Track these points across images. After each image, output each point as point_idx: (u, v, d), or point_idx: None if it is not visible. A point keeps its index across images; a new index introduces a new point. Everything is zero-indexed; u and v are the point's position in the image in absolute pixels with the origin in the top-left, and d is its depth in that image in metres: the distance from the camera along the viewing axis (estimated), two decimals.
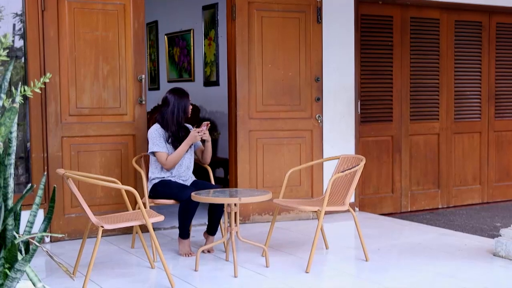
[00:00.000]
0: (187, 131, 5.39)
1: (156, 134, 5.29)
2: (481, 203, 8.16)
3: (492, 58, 8.16)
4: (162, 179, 5.32)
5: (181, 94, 5.39)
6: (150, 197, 5.33)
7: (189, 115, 5.45)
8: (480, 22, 8.08)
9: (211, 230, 5.37)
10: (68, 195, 5.74)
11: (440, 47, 7.78)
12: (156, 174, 5.35)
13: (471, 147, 8.08)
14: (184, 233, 5.22)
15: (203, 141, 5.43)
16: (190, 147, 5.37)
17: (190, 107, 5.41)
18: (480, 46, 8.08)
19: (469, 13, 7.99)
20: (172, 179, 5.34)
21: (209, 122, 5.39)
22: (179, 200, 5.14)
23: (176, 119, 5.33)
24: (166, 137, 5.31)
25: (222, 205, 5.18)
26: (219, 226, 5.38)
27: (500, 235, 5.17)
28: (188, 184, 5.41)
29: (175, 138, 5.32)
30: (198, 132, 5.22)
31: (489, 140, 8.22)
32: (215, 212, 5.26)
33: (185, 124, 5.43)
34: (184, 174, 5.41)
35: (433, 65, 7.76)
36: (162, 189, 5.26)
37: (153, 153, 5.31)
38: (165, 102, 5.39)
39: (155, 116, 7.80)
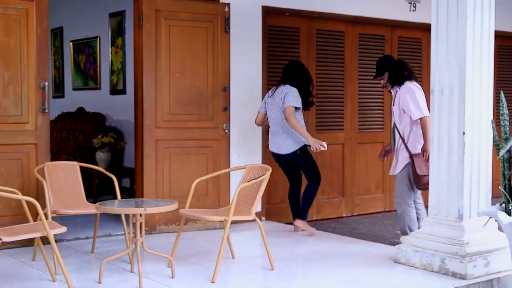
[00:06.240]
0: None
1: (298, 95, 6.28)
2: (383, 211, 8.40)
3: None
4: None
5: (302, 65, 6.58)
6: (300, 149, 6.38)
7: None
8: (383, 36, 8.34)
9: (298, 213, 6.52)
10: None
11: (345, 58, 7.98)
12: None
13: (374, 156, 8.28)
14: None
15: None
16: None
17: None
18: None
19: (372, 27, 8.23)
20: None
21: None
22: (316, 179, 6.51)
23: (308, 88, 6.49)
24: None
25: (296, 191, 6.62)
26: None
27: (401, 243, 5.33)
28: None
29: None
30: (321, 145, 6.14)
31: None
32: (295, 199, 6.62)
33: None
34: None
35: (338, 76, 7.94)
36: (311, 157, 6.49)
37: (292, 107, 6.19)
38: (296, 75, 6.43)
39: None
